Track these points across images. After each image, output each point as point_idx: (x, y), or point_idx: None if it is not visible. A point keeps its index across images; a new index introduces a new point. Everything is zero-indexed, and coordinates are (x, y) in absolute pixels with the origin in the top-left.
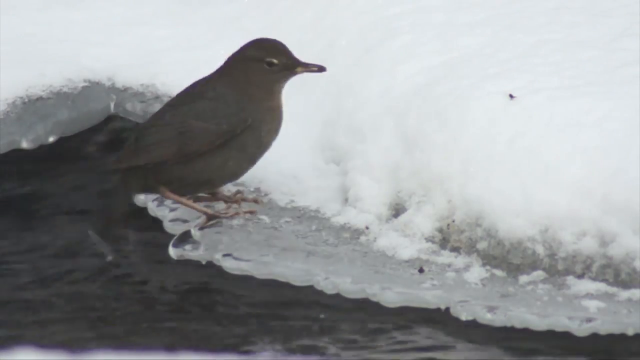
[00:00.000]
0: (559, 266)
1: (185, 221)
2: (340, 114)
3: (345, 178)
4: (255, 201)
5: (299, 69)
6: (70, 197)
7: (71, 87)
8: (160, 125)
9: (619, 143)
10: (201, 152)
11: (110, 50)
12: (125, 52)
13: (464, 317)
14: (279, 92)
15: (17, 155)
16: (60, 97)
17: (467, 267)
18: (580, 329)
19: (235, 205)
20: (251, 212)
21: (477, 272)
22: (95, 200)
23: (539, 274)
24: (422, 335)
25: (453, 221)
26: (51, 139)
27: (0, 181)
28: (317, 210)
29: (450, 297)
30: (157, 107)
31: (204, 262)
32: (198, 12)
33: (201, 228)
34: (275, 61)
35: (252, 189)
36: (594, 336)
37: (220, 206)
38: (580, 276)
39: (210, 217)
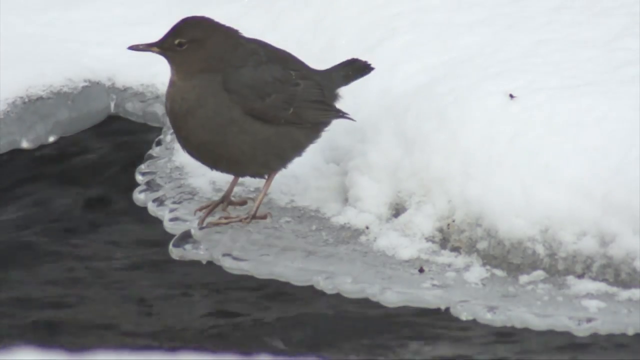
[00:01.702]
0: (559, 266)
1: (185, 221)
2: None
3: (345, 178)
4: (264, 217)
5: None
6: (70, 197)
7: (71, 87)
8: None
9: (619, 143)
10: None
11: (110, 50)
12: (126, 52)
13: (464, 317)
14: (173, 70)
15: (17, 155)
16: (60, 97)
17: (467, 267)
18: (581, 329)
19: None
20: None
21: (477, 272)
22: (95, 201)
23: (539, 273)
24: (422, 335)
25: (453, 221)
26: (51, 139)
27: (0, 181)
28: (317, 210)
29: (450, 297)
30: (157, 107)
31: (204, 262)
32: (198, 12)
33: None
34: None
35: (252, 189)
36: (594, 336)
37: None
38: (581, 276)
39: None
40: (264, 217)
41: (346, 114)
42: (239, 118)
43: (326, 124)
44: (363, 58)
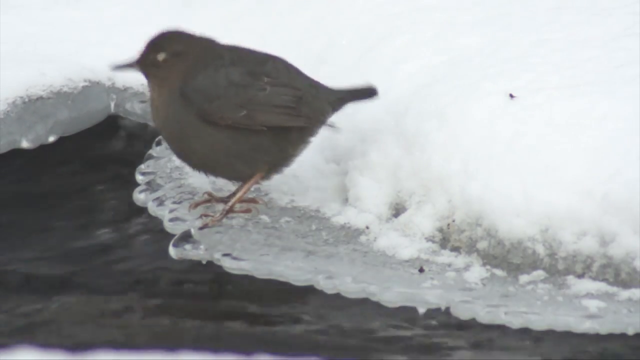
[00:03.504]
0: (559, 266)
1: (185, 221)
2: (340, 115)
3: (345, 178)
4: (255, 201)
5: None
6: (70, 197)
7: (71, 87)
8: None
9: (619, 143)
10: None
11: (110, 50)
12: (125, 52)
13: (464, 317)
14: (154, 85)
15: (17, 155)
16: (60, 97)
17: (467, 267)
18: (581, 329)
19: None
20: (248, 211)
21: (477, 272)
22: (95, 201)
23: (539, 273)
24: (422, 335)
25: (453, 221)
26: (51, 139)
27: (0, 181)
28: (317, 210)
29: (450, 297)
30: None
31: (204, 262)
32: (198, 12)
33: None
34: None
35: (252, 189)
36: (594, 336)
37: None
38: (581, 276)
39: (228, 211)
40: (245, 211)
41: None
42: (193, 122)
43: (304, 131)
44: (375, 85)
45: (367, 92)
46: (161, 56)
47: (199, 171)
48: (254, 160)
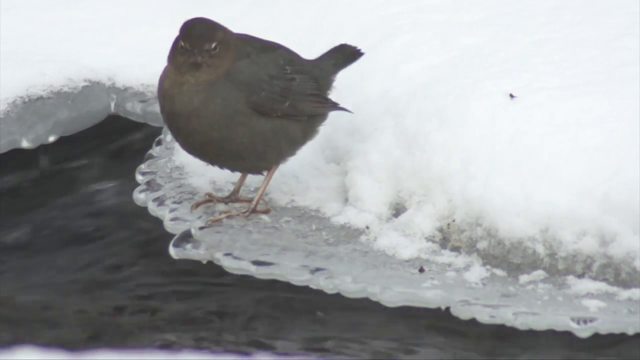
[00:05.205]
0: (559, 266)
1: (185, 221)
2: (341, 114)
3: (345, 178)
4: (265, 212)
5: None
6: (70, 197)
7: (71, 87)
8: None
9: (619, 143)
10: None
11: (111, 50)
12: (126, 52)
13: (464, 317)
14: (184, 71)
15: (17, 155)
16: (61, 97)
17: (467, 267)
18: (581, 329)
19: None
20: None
21: (477, 272)
22: (95, 201)
23: (539, 273)
24: (422, 335)
25: (453, 221)
26: (51, 139)
27: (0, 181)
28: (317, 210)
29: (450, 297)
30: (157, 107)
31: (204, 262)
32: (198, 12)
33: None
34: (182, 44)
35: (252, 189)
36: (595, 336)
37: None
38: (581, 276)
39: (251, 211)
40: (265, 212)
41: (342, 106)
42: (244, 110)
43: (323, 117)
44: (352, 43)
45: (352, 55)
46: (214, 44)
47: (212, 162)
48: (284, 151)
